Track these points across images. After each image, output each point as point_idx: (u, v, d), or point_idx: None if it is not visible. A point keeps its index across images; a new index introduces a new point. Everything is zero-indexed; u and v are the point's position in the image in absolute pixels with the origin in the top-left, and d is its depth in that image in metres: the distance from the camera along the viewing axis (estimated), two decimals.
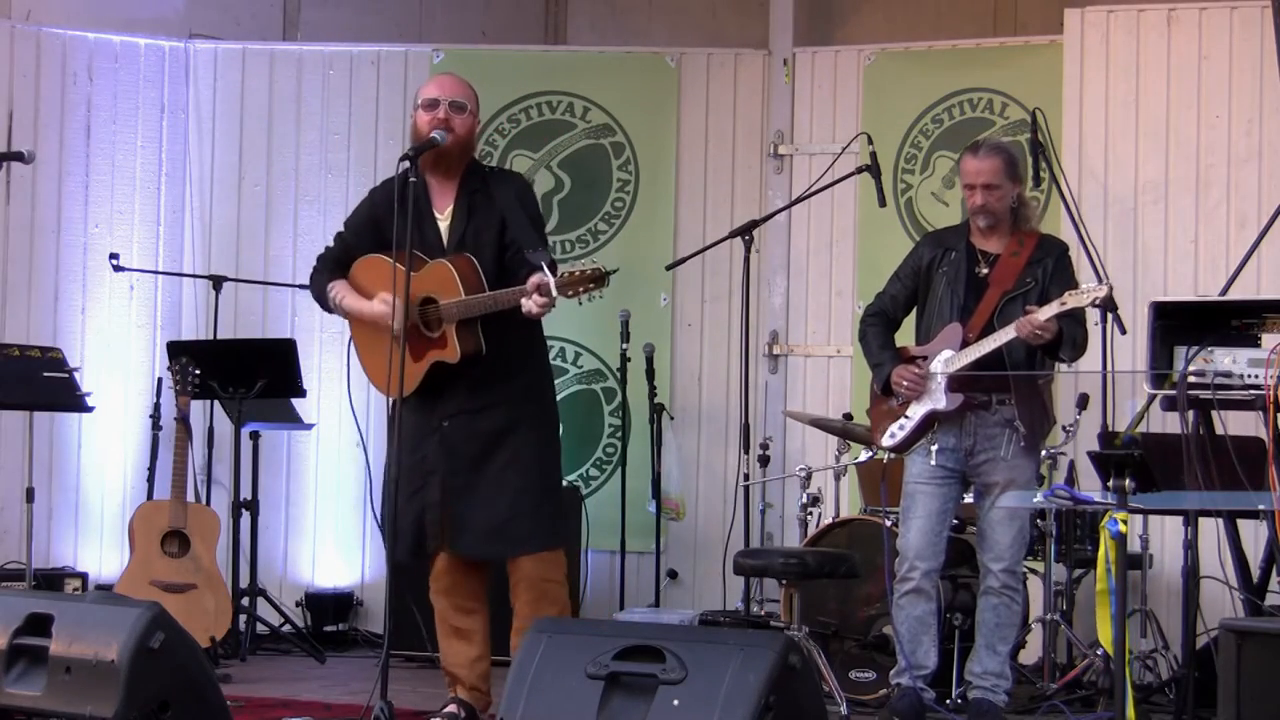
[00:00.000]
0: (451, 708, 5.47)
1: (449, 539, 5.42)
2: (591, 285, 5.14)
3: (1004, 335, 5.70)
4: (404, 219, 5.11)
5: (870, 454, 6.97)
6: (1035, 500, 5.08)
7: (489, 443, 5.41)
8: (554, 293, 5.10)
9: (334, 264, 5.61)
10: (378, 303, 5.39)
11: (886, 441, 5.99)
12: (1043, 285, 5.81)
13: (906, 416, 5.91)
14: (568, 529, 5.67)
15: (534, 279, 5.16)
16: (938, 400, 5.84)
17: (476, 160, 5.65)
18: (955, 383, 5.80)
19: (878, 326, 6.10)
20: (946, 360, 5.82)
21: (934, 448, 5.87)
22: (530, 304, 5.16)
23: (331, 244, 5.70)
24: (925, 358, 5.91)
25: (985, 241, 5.97)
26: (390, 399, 5.18)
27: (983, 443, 5.84)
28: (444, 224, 5.49)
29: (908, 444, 5.93)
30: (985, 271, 5.92)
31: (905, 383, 5.88)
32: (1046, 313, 5.60)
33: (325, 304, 5.62)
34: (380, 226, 5.42)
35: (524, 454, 5.43)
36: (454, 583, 5.50)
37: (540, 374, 5.62)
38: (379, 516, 5.58)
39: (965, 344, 5.81)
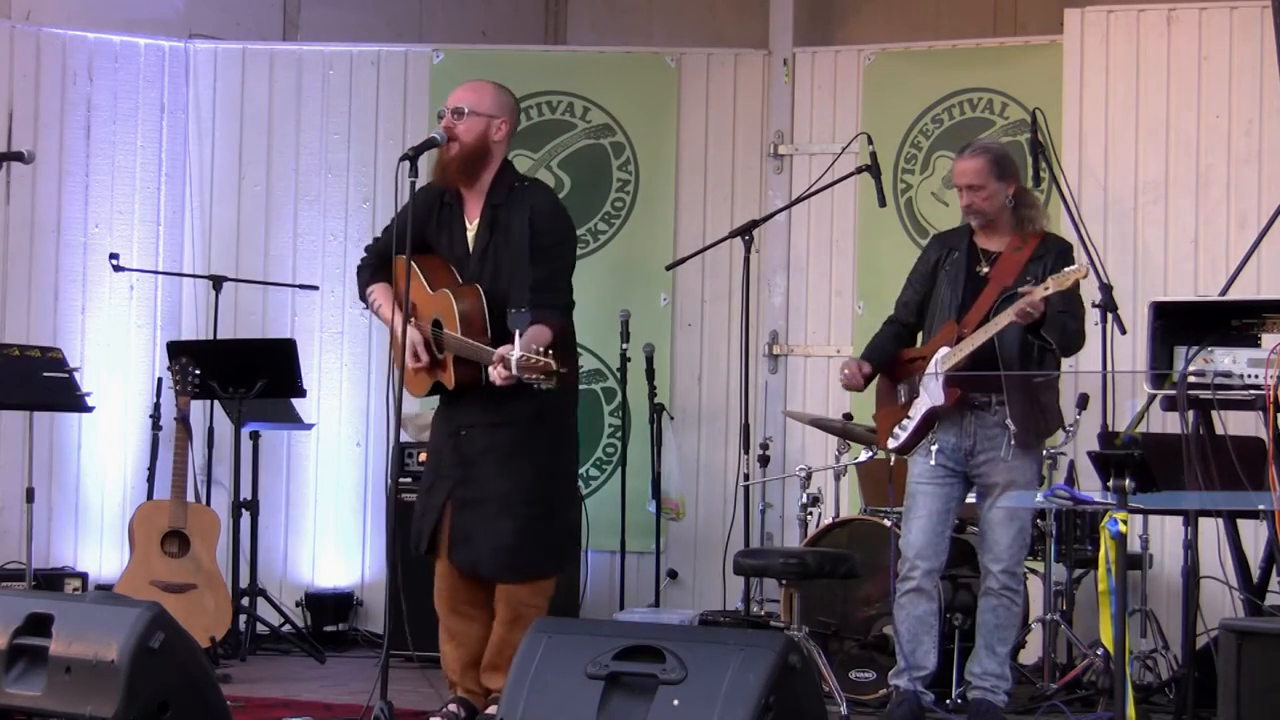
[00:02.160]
0: (452, 707, 5.47)
1: (448, 549, 5.43)
2: (541, 377, 5.06)
3: (1000, 322, 5.70)
4: (412, 219, 5.15)
5: (870, 454, 6.98)
6: (1035, 500, 5.09)
7: (502, 462, 5.39)
8: (514, 370, 5.05)
9: (377, 259, 5.60)
10: (413, 340, 5.36)
11: (890, 443, 6.03)
12: (1041, 283, 5.81)
13: (909, 417, 5.94)
14: (568, 553, 5.67)
15: (501, 349, 5.12)
16: (935, 397, 5.85)
17: (509, 168, 5.57)
18: (952, 379, 5.81)
19: (888, 329, 6.15)
20: (943, 357, 5.84)
21: (934, 448, 5.89)
22: (494, 374, 5.16)
23: (374, 241, 5.72)
24: (925, 358, 5.92)
25: (987, 241, 5.99)
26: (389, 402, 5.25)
27: (982, 443, 5.84)
28: (471, 234, 5.50)
29: (910, 444, 5.95)
30: (985, 270, 5.93)
31: (845, 370, 6.00)
32: (1041, 293, 5.60)
33: (364, 301, 5.69)
34: (419, 228, 5.39)
35: (534, 481, 5.41)
36: (451, 587, 5.50)
37: (561, 397, 5.45)
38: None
39: (960, 339, 5.82)
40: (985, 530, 5.89)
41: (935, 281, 6.02)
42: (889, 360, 6.06)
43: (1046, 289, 5.60)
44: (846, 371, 5.99)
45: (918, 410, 5.91)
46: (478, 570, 5.42)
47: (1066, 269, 5.65)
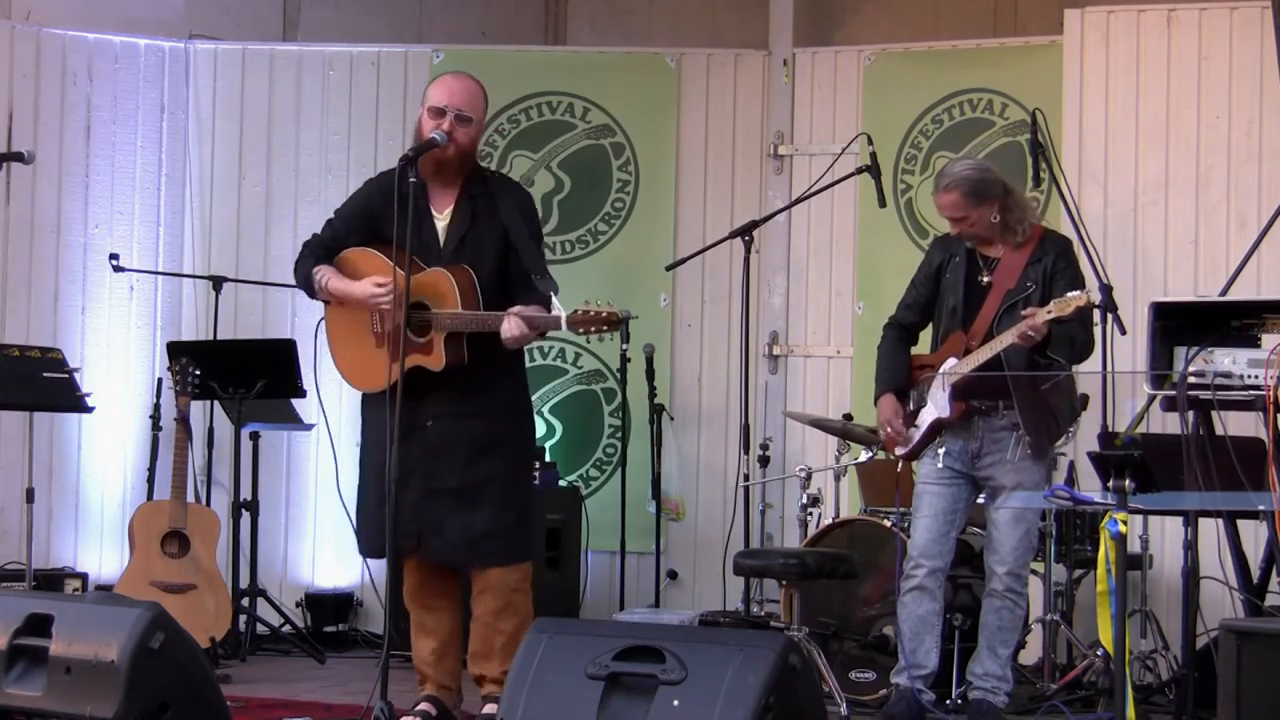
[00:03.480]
0: (424, 705, 5.48)
1: (422, 542, 5.44)
2: (605, 328, 5.18)
3: (1003, 341, 5.71)
4: (404, 220, 5.15)
5: (870, 454, 6.98)
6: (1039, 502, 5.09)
7: (471, 453, 5.42)
8: (563, 328, 5.17)
9: (322, 250, 5.58)
10: (367, 283, 5.37)
11: (898, 450, 6.05)
12: (1043, 288, 5.82)
13: (915, 425, 5.96)
14: (534, 540, 5.74)
15: (514, 309, 5.22)
16: (941, 409, 5.86)
17: (478, 163, 5.65)
18: (958, 391, 5.82)
19: (890, 337, 6.15)
20: (949, 369, 5.85)
21: (941, 450, 5.90)
22: (510, 328, 5.20)
23: (320, 231, 5.67)
24: (934, 365, 5.93)
25: (986, 248, 5.99)
26: (362, 393, 5.27)
27: (989, 445, 5.85)
28: (441, 224, 5.49)
29: (917, 451, 5.98)
30: (987, 279, 5.94)
31: (888, 429, 6.01)
32: (1043, 317, 5.60)
33: (310, 289, 5.58)
34: (375, 219, 5.43)
35: (504, 471, 5.46)
36: (422, 580, 5.54)
37: (522, 388, 5.66)
38: (348, 509, 5.78)
39: (968, 351, 5.83)
40: (991, 532, 5.90)
41: (939, 285, 6.03)
42: (907, 373, 6.08)
43: (1049, 313, 5.59)
44: (889, 431, 5.98)
45: (924, 420, 5.94)
46: (453, 560, 5.46)
47: (1069, 294, 5.62)
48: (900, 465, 6.43)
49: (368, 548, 5.60)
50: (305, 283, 5.60)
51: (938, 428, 5.92)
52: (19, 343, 7.27)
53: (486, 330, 5.30)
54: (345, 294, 5.45)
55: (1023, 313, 5.70)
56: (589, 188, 8.39)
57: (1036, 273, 5.86)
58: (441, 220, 5.49)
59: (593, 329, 5.20)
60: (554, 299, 5.22)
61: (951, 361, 5.88)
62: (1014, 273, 5.89)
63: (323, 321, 5.63)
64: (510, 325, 5.22)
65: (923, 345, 6.21)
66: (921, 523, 5.93)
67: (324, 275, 5.51)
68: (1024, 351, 5.73)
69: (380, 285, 5.32)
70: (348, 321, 5.50)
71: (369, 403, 5.63)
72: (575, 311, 5.18)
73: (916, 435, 5.97)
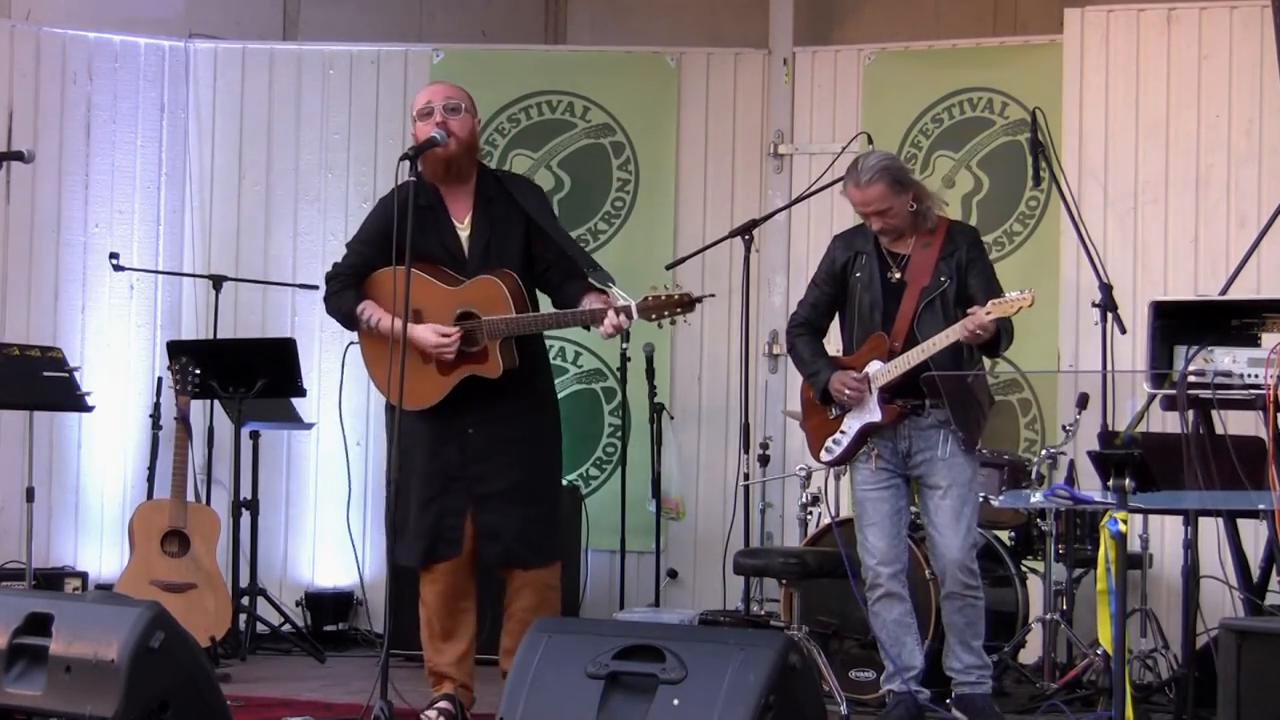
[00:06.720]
0: (444, 703, 5.49)
1: (478, 548, 5.45)
2: (679, 310, 5.21)
3: (936, 344, 5.66)
4: (405, 219, 5.13)
5: None
6: (1034, 500, 5.08)
7: (517, 451, 5.45)
8: (635, 316, 5.19)
9: (353, 278, 5.51)
10: (429, 333, 5.32)
11: (824, 457, 5.98)
12: (958, 280, 5.79)
13: (843, 431, 5.90)
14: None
15: (606, 298, 5.29)
16: (872, 413, 5.82)
17: (484, 164, 5.66)
18: (888, 393, 5.79)
19: (805, 335, 6.07)
20: (877, 373, 5.80)
21: (874, 454, 5.87)
22: (610, 324, 5.23)
23: (343, 260, 5.60)
24: (855, 368, 5.88)
25: (894, 244, 5.93)
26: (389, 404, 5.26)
27: (919, 443, 5.82)
28: (464, 233, 5.50)
29: (846, 457, 5.92)
30: (898, 275, 5.88)
31: (847, 391, 5.84)
32: (984, 319, 5.53)
33: (351, 322, 5.52)
34: (396, 232, 5.25)
35: (545, 465, 5.56)
36: (453, 584, 5.52)
37: (550, 381, 5.72)
38: (382, 518, 5.72)
39: (892, 354, 5.79)
40: (933, 535, 5.86)
41: (845, 284, 5.98)
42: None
43: (989, 314, 5.55)
44: (849, 392, 5.84)
45: (852, 425, 5.88)
46: (509, 561, 5.47)
47: (1011, 295, 5.56)
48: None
49: (409, 555, 5.47)
50: (346, 319, 5.54)
51: (866, 432, 5.88)
52: (19, 342, 7.26)
53: (560, 327, 5.45)
54: (410, 339, 5.29)
55: (967, 311, 5.64)
56: (589, 187, 8.38)
57: (950, 267, 5.82)
58: (464, 230, 5.50)
59: (665, 313, 5.22)
60: (615, 289, 5.25)
61: (877, 365, 5.81)
62: (926, 269, 5.84)
63: (354, 346, 5.64)
64: (610, 323, 5.24)
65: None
66: (872, 530, 5.88)
67: (374, 316, 5.43)
68: (949, 351, 5.69)
69: (445, 335, 5.31)
70: (387, 344, 5.34)
71: (404, 415, 5.35)
72: (645, 299, 5.23)
73: (845, 440, 5.91)
